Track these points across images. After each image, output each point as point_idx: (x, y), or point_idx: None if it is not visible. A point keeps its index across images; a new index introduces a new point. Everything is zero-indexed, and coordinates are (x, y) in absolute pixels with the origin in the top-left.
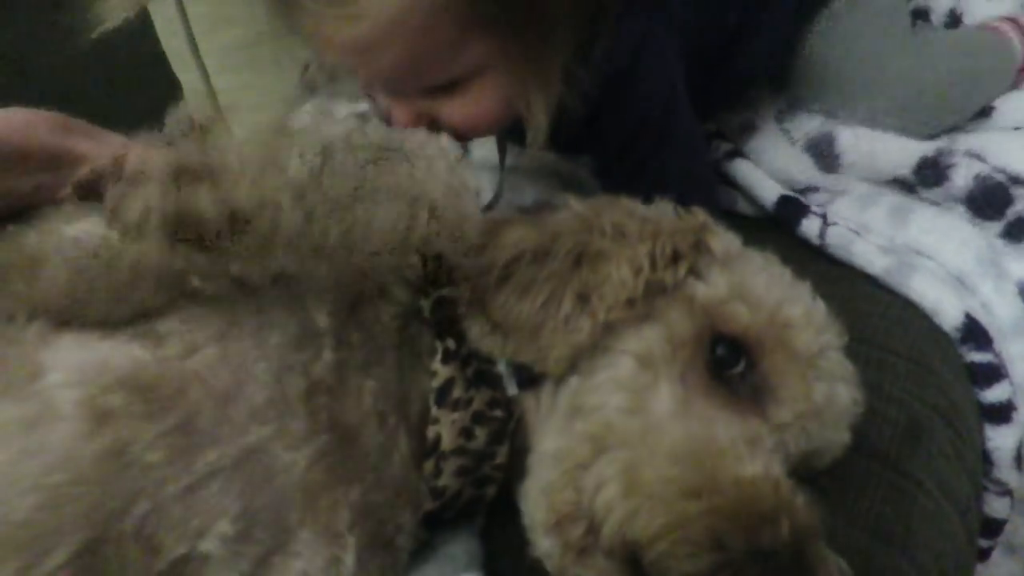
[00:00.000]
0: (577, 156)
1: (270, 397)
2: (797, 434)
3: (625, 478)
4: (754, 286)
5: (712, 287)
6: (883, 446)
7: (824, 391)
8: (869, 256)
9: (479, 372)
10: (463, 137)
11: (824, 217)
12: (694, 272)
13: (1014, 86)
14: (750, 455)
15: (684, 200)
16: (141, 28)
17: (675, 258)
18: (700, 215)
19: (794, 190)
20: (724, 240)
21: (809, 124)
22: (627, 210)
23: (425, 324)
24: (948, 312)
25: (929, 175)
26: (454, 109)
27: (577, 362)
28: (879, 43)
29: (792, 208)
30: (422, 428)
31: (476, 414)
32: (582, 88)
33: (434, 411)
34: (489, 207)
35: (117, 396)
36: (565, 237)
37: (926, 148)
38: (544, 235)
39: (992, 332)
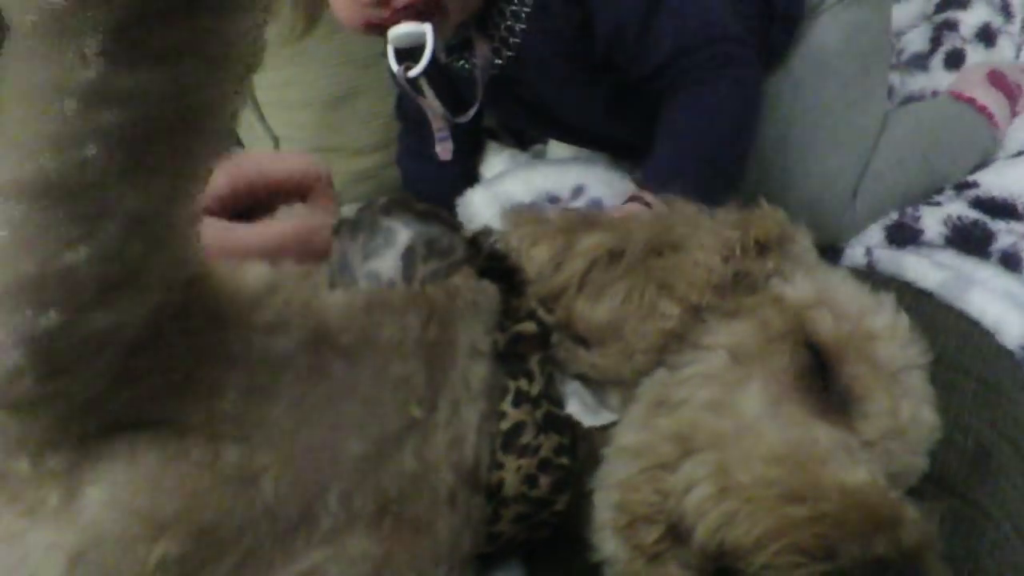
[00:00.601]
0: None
1: (333, 525)
2: (881, 454)
3: (719, 480)
4: (838, 293)
5: (800, 290)
6: (950, 473)
7: (910, 409)
8: (922, 270)
9: (548, 415)
10: None
11: (867, 246)
12: (780, 272)
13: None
14: (852, 462)
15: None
16: None
17: (762, 251)
18: (781, 212)
19: None
20: (806, 242)
21: None
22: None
23: (497, 361)
24: (1011, 328)
25: (901, 239)
26: None
27: (664, 355)
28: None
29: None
30: (480, 470)
31: (543, 461)
32: None
33: (499, 455)
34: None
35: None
36: (639, 232)
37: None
38: (617, 235)
39: None
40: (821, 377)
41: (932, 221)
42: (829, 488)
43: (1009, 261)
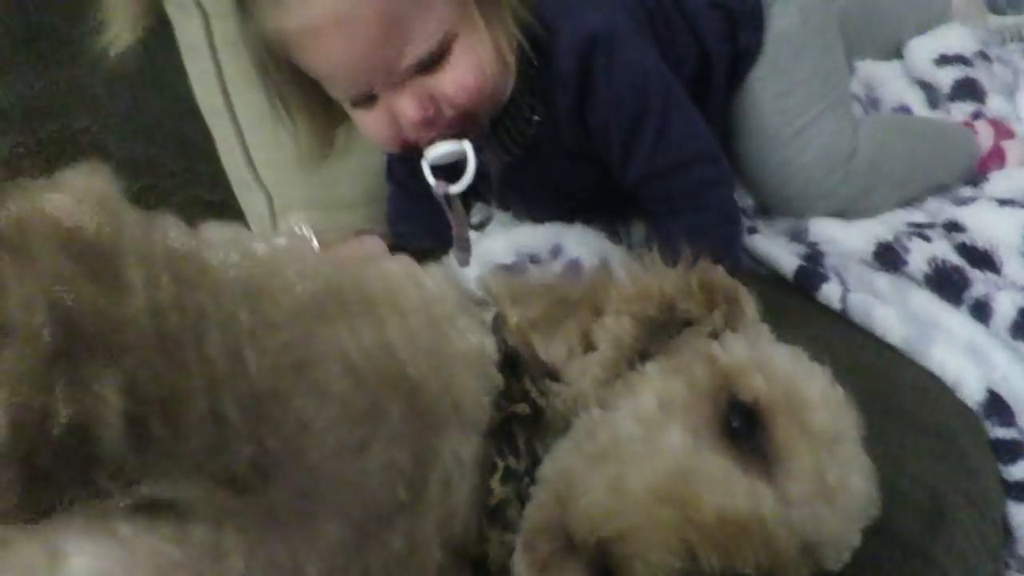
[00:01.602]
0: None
1: None
2: (806, 516)
3: (611, 485)
4: (773, 358)
5: (734, 352)
6: (906, 531)
7: (838, 476)
8: (889, 323)
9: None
10: (468, 106)
11: (844, 284)
12: (715, 333)
13: (969, 176)
14: (744, 495)
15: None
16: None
17: (708, 300)
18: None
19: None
20: (751, 308)
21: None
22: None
23: (488, 438)
24: (970, 385)
25: (886, 260)
26: (447, 80)
27: (601, 395)
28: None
29: (812, 276)
30: (469, 545)
31: None
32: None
33: (486, 530)
34: (481, 225)
35: None
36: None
37: (883, 233)
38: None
39: (1015, 407)
40: (747, 436)
41: (919, 256)
42: (707, 502)
43: (981, 310)
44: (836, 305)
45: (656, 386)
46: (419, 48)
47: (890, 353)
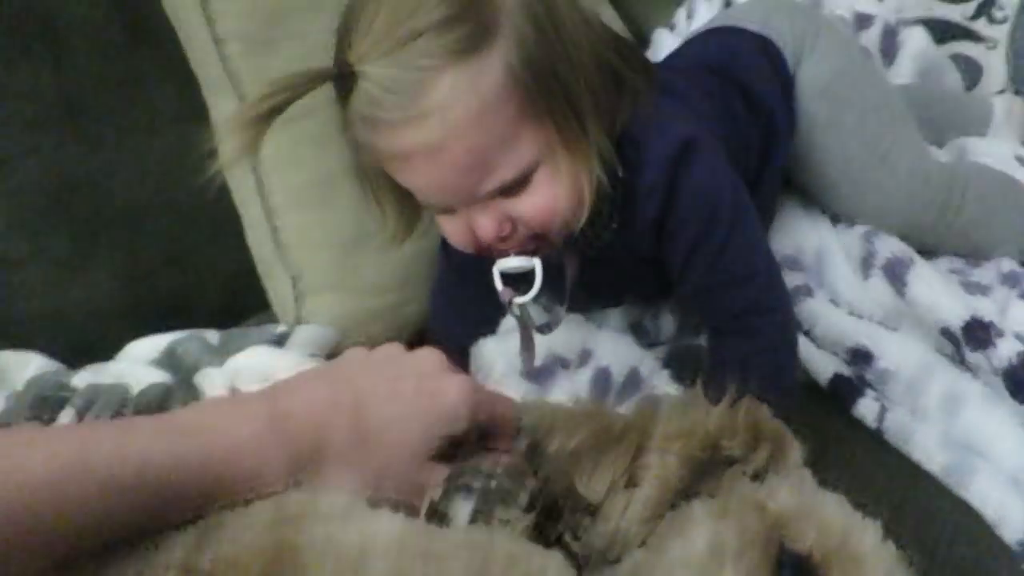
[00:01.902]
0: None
1: None
2: None
3: None
4: (823, 507)
5: (783, 500)
6: None
7: None
8: (929, 451)
9: None
10: (542, 230)
11: (881, 402)
12: (761, 478)
13: None
14: None
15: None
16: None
17: (755, 441)
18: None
19: (849, 357)
20: (797, 454)
21: (884, 246)
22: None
23: None
24: (1012, 523)
25: (977, 336)
26: (525, 205)
27: (646, 539)
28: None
29: (847, 388)
30: None
31: None
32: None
33: None
34: (548, 328)
35: None
36: (622, 421)
37: (982, 309)
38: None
39: None
40: None
41: (1010, 346)
42: None
43: None
44: (872, 424)
45: (705, 530)
46: (501, 177)
47: (927, 482)
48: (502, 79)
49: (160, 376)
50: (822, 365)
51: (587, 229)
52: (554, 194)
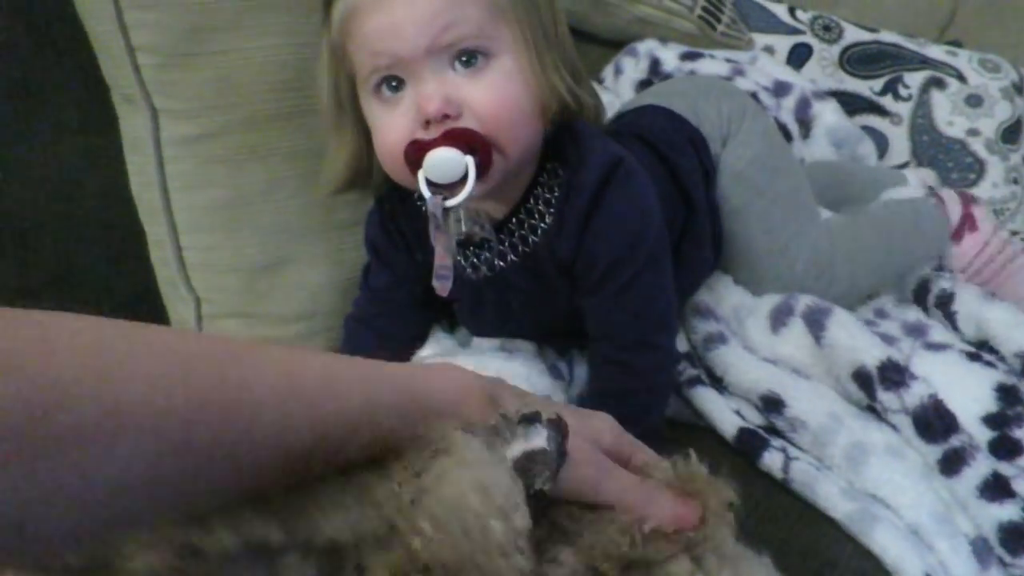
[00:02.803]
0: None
1: None
2: None
3: None
4: None
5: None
6: None
7: None
8: (833, 499)
9: None
10: (486, 126)
11: (785, 452)
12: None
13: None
14: None
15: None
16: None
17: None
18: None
19: (761, 404)
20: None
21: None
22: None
23: None
24: (909, 571)
25: (891, 377)
26: (477, 89)
27: None
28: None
29: (753, 441)
30: None
31: None
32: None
33: None
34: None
35: None
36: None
37: (896, 354)
38: None
39: None
40: None
41: (920, 390)
42: None
43: (947, 463)
44: (778, 475)
45: None
46: (464, 32)
47: (830, 528)
48: None
49: None
50: (728, 421)
51: (516, 226)
52: (508, 90)
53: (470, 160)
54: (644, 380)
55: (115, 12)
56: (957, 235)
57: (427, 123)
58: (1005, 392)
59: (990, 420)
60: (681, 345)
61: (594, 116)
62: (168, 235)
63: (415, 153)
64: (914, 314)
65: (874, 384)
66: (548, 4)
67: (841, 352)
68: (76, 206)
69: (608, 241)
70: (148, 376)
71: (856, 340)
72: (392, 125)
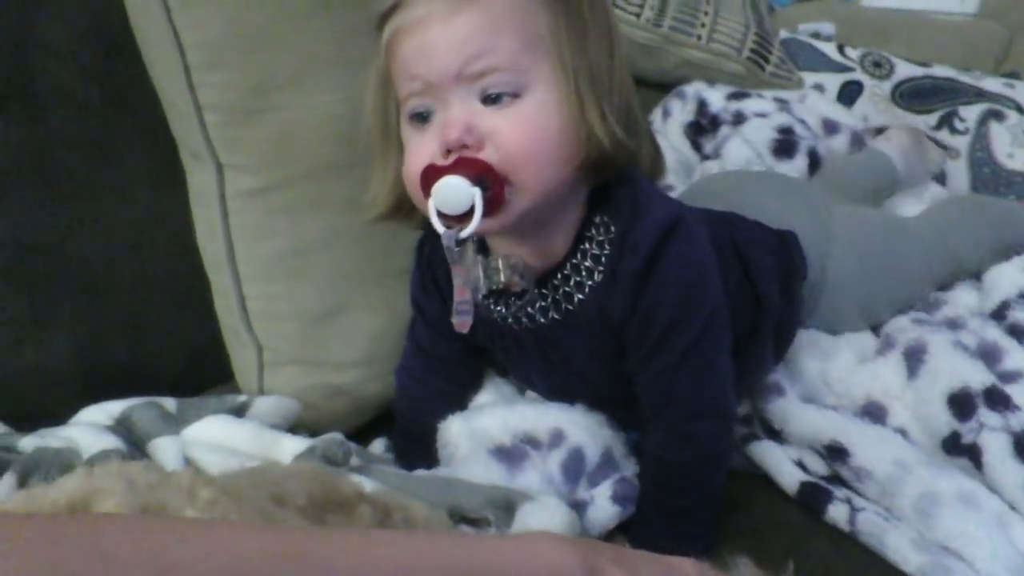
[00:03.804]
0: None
1: None
2: None
3: None
4: None
5: None
6: None
7: None
8: (903, 552)
9: None
10: (508, 162)
11: (851, 503)
12: None
13: None
14: None
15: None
16: (181, 223)
17: None
18: None
19: (825, 452)
20: None
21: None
22: None
23: None
24: None
25: (998, 398)
26: (505, 121)
27: None
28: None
29: (816, 494)
30: None
31: None
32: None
33: None
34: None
35: None
36: None
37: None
38: None
39: None
40: None
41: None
42: None
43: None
44: (845, 527)
45: None
46: (496, 61)
47: None
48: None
49: (112, 442)
50: (788, 474)
51: (569, 277)
52: (534, 126)
53: (477, 192)
54: (709, 449)
55: (184, 73)
56: None
57: (448, 151)
58: None
59: None
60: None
61: (651, 170)
62: (232, 285)
63: (429, 179)
64: (991, 332)
65: (976, 405)
66: (603, 48)
67: (941, 375)
68: (145, 258)
69: (666, 304)
70: None
71: (959, 363)
72: (418, 150)
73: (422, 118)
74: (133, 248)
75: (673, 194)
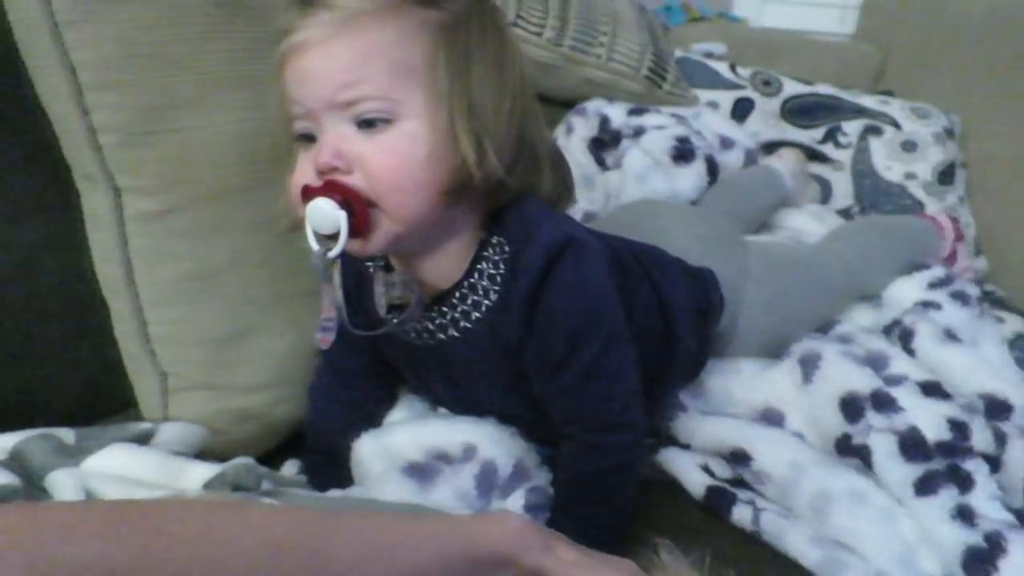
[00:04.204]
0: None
1: None
2: None
3: None
4: None
5: None
6: None
7: None
8: (802, 548)
9: None
10: (374, 189)
11: (754, 504)
12: None
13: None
14: None
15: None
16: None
17: None
18: None
19: (729, 457)
20: None
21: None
22: None
23: None
24: None
25: (883, 401)
26: (373, 150)
27: None
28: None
29: (722, 499)
30: None
31: None
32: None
33: None
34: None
35: None
36: None
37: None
38: None
39: None
40: None
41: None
42: None
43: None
44: (749, 527)
45: None
46: (368, 90)
47: (800, 572)
48: (427, 27)
49: (4, 479)
50: (695, 481)
51: (466, 296)
52: (402, 155)
53: (343, 216)
54: (619, 459)
55: (76, 94)
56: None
57: (321, 173)
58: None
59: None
60: None
61: (553, 197)
62: (132, 310)
63: (305, 198)
64: (877, 343)
65: (864, 408)
66: (488, 80)
67: (833, 382)
68: (34, 284)
69: (559, 326)
70: (247, 567)
71: (847, 372)
72: (301, 169)
73: (307, 138)
74: (22, 275)
75: (578, 209)
